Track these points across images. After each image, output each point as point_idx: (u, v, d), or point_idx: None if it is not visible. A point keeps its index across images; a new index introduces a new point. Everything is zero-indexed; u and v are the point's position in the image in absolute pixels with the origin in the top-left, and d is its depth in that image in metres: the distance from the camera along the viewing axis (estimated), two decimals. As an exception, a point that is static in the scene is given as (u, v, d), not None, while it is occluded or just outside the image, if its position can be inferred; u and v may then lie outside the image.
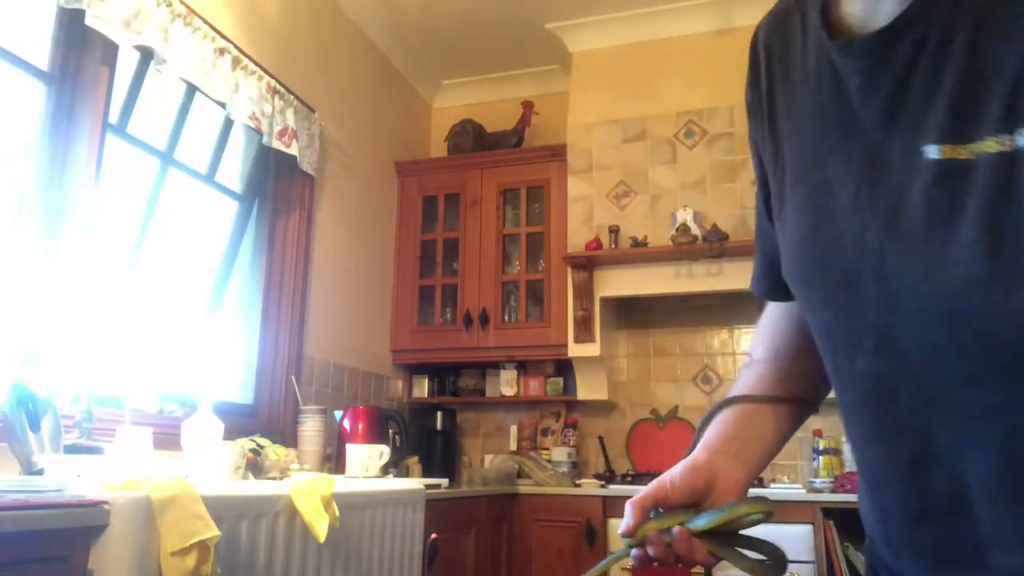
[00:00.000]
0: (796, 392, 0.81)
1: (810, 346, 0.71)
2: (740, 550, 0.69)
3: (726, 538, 0.69)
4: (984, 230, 0.50)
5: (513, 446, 3.84)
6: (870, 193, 0.59)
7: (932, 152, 0.54)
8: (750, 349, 0.88)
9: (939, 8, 0.54)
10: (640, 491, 0.73)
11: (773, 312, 0.85)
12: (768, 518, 0.68)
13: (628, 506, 0.71)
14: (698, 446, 0.77)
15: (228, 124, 2.84)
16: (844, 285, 0.61)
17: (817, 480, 3.02)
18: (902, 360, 0.57)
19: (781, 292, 0.76)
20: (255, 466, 2.30)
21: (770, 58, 0.74)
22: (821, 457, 3.14)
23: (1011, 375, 0.51)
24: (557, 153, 3.76)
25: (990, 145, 0.50)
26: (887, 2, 0.57)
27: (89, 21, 2.03)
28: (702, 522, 0.68)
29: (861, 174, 0.60)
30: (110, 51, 2.23)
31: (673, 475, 0.74)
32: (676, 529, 0.69)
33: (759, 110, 0.76)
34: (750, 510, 0.68)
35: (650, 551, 0.69)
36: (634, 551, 0.70)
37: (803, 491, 2.96)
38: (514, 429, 3.88)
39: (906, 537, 0.62)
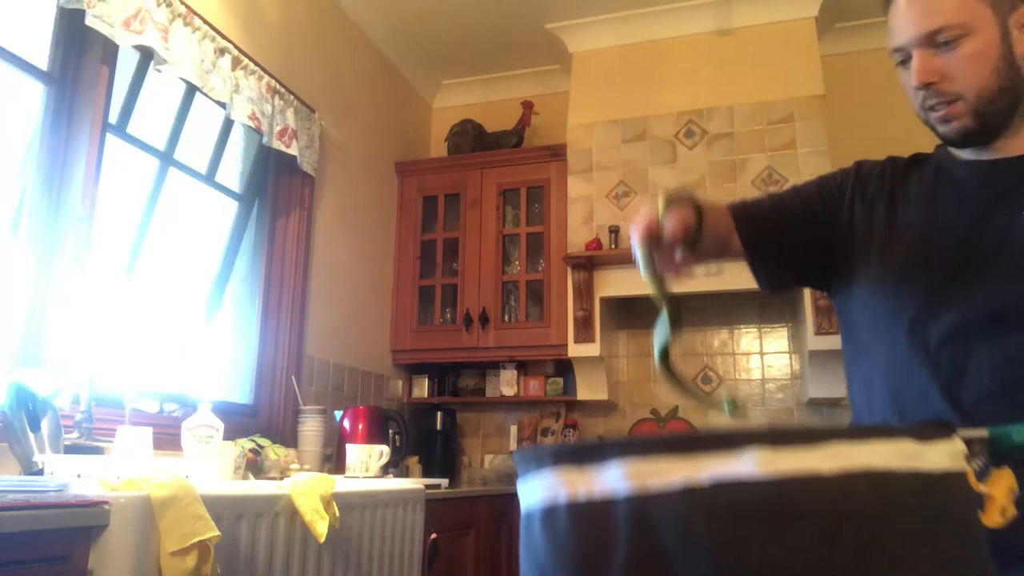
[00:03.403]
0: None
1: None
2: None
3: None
4: None
5: (513, 446, 3.84)
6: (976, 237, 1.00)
7: None
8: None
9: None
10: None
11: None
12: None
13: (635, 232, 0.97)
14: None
15: (228, 124, 2.84)
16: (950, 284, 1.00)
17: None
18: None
19: (778, 283, 1.20)
20: (255, 466, 2.30)
21: (892, 175, 1.14)
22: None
23: None
24: (557, 153, 3.75)
25: None
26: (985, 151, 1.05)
27: (89, 21, 2.03)
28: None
29: (968, 230, 1.00)
30: (110, 51, 2.23)
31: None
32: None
33: (870, 194, 1.14)
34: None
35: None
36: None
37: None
38: (514, 429, 3.88)
39: None
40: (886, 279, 1.06)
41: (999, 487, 0.63)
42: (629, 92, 3.67)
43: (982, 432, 0.67)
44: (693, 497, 0.54)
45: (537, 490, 0.62)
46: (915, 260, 1.03)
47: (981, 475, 0.64)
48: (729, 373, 3.64)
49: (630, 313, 3.80)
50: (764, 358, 3.62)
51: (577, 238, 3.54)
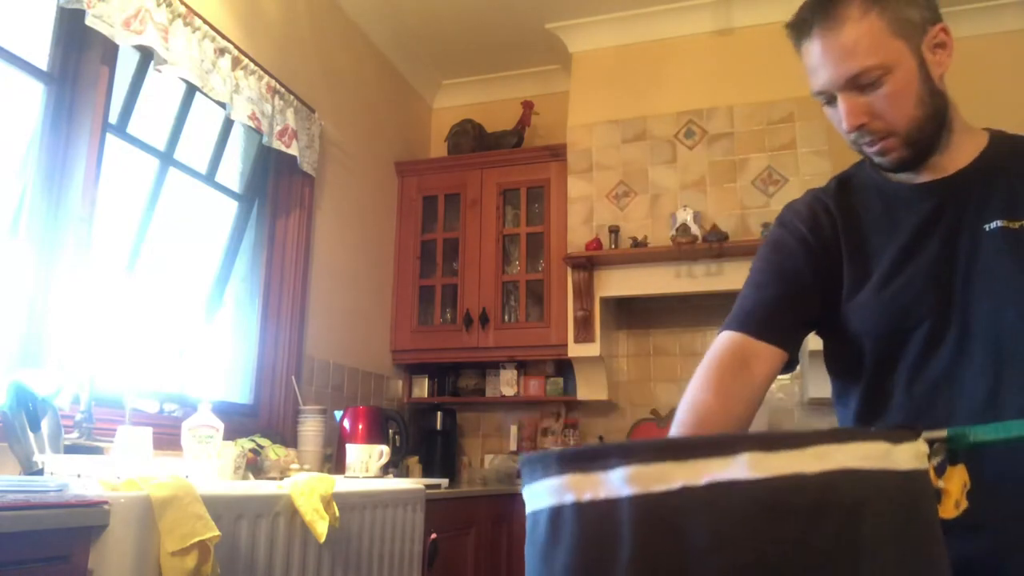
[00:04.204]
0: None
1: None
2: None
3: None
4: None
5: (513, 446, 3.84)
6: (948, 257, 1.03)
7: (995, 224, 1.00)
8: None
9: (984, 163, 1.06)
10: None
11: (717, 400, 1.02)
12: None
13: None
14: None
15: (228, 124, 2.84)
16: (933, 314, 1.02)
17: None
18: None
19: (769, 331, 1.06)
20: (255, 466, 2.30)
21: (841, 210, 1.12)
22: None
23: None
24: (557, 153, 3.75)
25: None
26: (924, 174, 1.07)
27: (89, 21, 2.03)
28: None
29: (938, 249, 1.03)
30: (110, 51, 2.23)
31: None
32: None
33: (833, 236, 1.11)
34: None
35: None
36: None
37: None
38: (514, 429, 3.88)
39: None
40: (873, 317, 1.06)
41: (953, 482, 0.71)
42: (629, 92, 3.67)
43: (942, 433, 0.73)
44: (691, 497, 0.60)
45: (544, 494, 0.66)
46: (899, 296, 1.04)
47: (939, 471, 0.71)
48: (729, 373, 3.63)
49: (630, 313, 3.80)
50: (764, 358, 3.62)
51: (577, 238, 3.54)
